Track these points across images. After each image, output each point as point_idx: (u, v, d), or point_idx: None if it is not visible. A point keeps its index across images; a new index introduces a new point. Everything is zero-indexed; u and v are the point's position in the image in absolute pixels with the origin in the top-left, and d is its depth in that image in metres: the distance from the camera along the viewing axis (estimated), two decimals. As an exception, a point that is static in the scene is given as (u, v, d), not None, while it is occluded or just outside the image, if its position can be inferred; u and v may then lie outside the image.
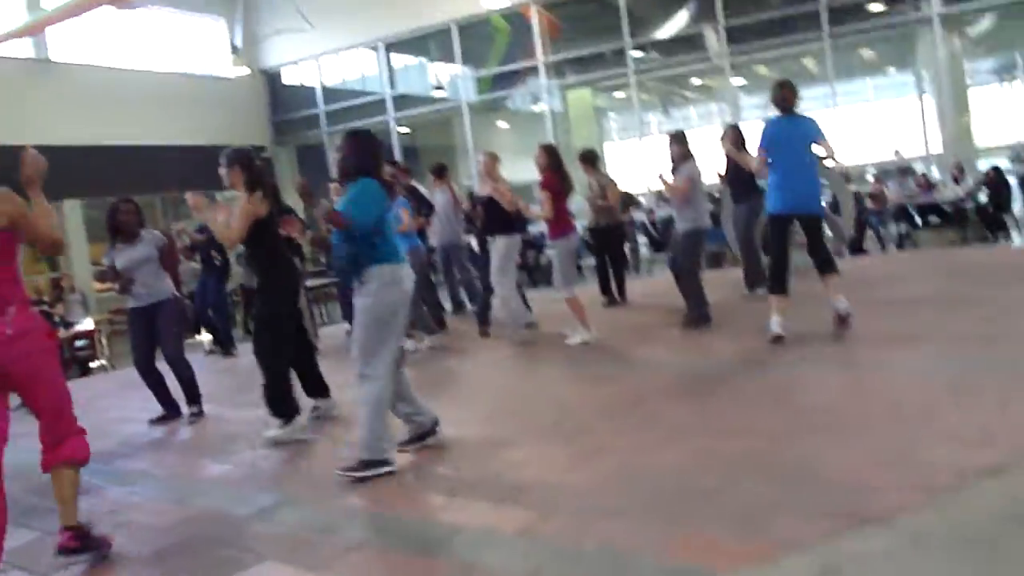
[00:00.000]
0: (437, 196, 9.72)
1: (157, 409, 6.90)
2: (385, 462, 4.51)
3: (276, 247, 5.80)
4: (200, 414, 6.80)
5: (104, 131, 17.00)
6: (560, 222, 7.60)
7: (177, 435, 6.49)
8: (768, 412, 4.75)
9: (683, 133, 7.98)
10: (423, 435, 4.93)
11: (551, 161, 7.61)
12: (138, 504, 4.73)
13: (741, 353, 6.33)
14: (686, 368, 6.22)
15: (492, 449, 4.76)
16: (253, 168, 5.68)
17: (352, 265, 4.66)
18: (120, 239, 6.68)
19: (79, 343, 12.74)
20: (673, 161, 7.78)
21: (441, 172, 10.07)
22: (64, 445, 3.77)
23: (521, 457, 4.55)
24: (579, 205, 9.84)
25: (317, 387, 6.15)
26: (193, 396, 6.82)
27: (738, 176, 8.58)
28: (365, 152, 4.83)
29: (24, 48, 16.21)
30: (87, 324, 13.16)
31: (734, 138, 8.59)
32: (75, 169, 15.95)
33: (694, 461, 4.07)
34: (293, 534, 3.89)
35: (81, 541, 3.80)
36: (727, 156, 8.68)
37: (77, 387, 9.56)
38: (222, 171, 5.65)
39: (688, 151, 7.76)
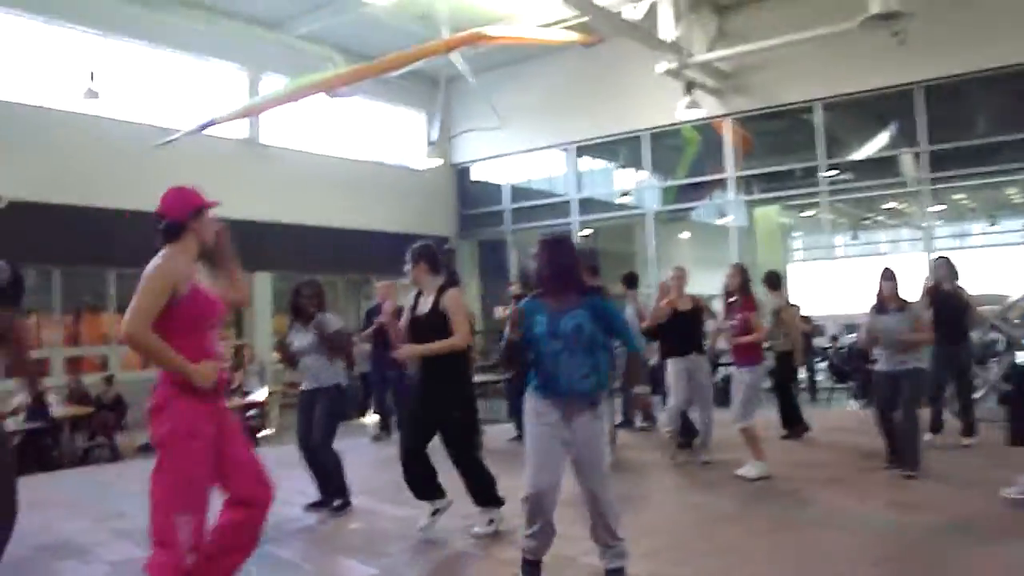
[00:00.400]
0: (627, 307, 9.41)
1: (313, 493, 6.79)
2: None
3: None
4: (345, 506, 6.65)
5: (300, 211, 17.75)
6: (754, 348, 7.17)
7: (329, 525, 6.33)
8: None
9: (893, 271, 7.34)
10: None
11: (744, 283, 7.24)
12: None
13: (960, 516, 5.58)
14: (883, 527, 5.51)
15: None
16: (438, 264, 5.70)
17: (595, 383, 4.43)
18: (299, 320, 6.74)
19: (250, 412, 13.08)
20: (884, 300, 7.14)
21: (632, 282, 9.79)
22: (152, 554, 3.47)
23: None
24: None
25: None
26: (336, 488, 6.68)
27: (951, 314, 7.86)
28: (577, 260, 4.63)
29: (240, 130, 17.26)
30: (261, 394, 13.50)
31: (947, 272, 7.91)
32: (270, 244, 16.70)
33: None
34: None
35: None
36: (940, 290, 7.97)
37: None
38: (407, 267, 5.67)
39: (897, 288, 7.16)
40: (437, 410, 5.59)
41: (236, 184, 16.38)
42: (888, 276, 7.14)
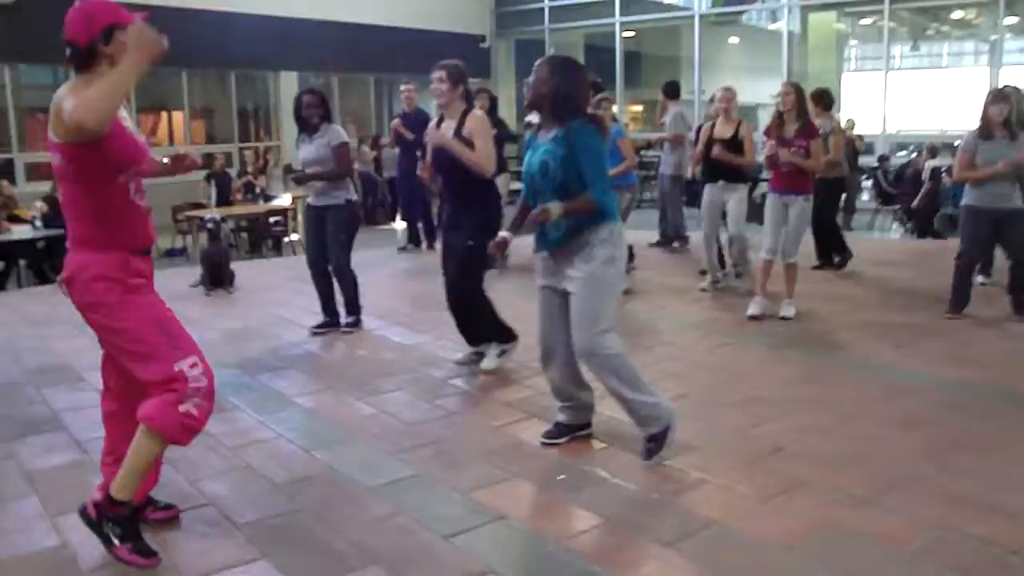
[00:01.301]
0: (668, 117, 8.75)
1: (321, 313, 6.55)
2: (668, 428, 3.87)
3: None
4: (356, 325, 6.47)
5: (327, 7, 16.79)
6: (807, 177, 6.55)
7: (333, 352, 6.07)
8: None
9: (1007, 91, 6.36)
10: (580, 426, 4.22)
11: (803, 104, 6.53)
12: (264, 442, 4.25)
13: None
14: (930, 384, 5.01)
15: (667, 453, 3.93)
16: (467, 87, 5.31)
17: (573, 231, 3.81)
18: (305, 130, 6.31)
19: (273, 219, 12.81)
20: (991, 125, 6.24)
21: (675, 92, 9.10)
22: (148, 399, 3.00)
23: (699, 476, 3.74)
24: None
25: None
26: (352, 307, 6.50)
27: None
28: (581, 85, 3.95)
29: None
30: (285, 201, 13.17)
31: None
32: (295, 42, 15.93)
33: (924, 546, 3.11)
34: (413, 533, 3.28)
35: (100, 518, 3.04)
36: None
37: (259, 269, 9.68)
38: (433, 84, 5.18)
39: None
40: (456, 236, 5.25)
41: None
42: (999, 97, 6.26)
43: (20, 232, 9.95)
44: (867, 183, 15.13)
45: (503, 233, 4.09)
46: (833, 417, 4.46)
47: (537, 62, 3.93)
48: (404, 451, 4.09)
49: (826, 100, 8.35)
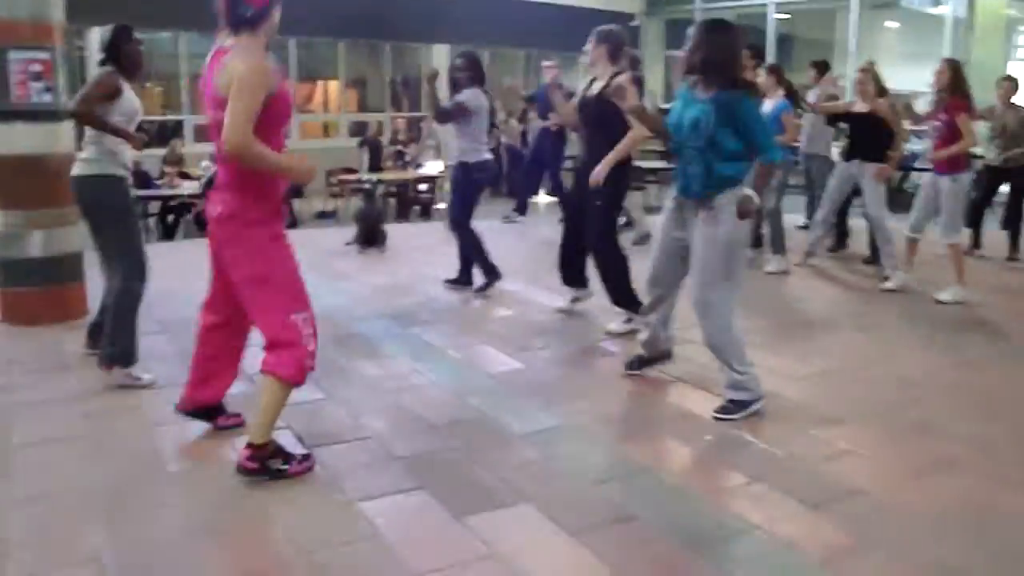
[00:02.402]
0: (812, 96, 8.58)
1: (474, 273, 6.77)
2: (756, 399, 4.09)
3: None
4: (487, 287, 6.59)
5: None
6: (960, 156, 6.38)
7: (483, 309, 6.27)
8: None
9: None
10: (656, 359, 4.57)
11: (958, 82, 6.34)
12: (416, 387, 4.48)
13: None
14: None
15: (814, 425, 3.97)
16: (619, 52, 5.40)
17: (703, 184, 3.99)
18: (455, 91, 6.60)
19: (422, 187, 13.16)
20: None
21: (824, 69, 8.93)
22: (269, 352, 3.29)
23: (847, 446, 3.75)
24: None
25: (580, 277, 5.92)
26: (482, 267, 6.61)
27: None
28: (736, 50, 4.08)
29: None
30: (434, 169, 13.50)
31: None
32: (446, 15, 16.25)
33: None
34: (561, 478, 3.42)
35: (260, 463, 3.29)
36: None
37: (409, 232, 10.02)
38: (587, 47, 5.39)
39: None
40: (586, 193, 5.41)
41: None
42: None
43: (189, 187, 10.57)
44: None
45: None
46: (986, 401, 4.37)
47: (691, 28, 4.05)
48: (552, 403, 4.24)
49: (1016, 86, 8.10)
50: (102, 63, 4.43)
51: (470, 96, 6.46)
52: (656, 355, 4.60)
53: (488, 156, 6.65)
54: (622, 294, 5.47)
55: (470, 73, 6.49)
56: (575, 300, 5.97)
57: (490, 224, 6.69)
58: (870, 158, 7.01)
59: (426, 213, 13.12)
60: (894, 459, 3.63)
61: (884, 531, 3.01)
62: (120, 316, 4.40)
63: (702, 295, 4.04)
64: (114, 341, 4.39)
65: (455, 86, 6.59)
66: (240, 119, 3.00)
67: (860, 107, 7.15)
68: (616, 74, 5.25)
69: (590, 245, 5.53)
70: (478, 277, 6.67)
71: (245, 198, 3.24)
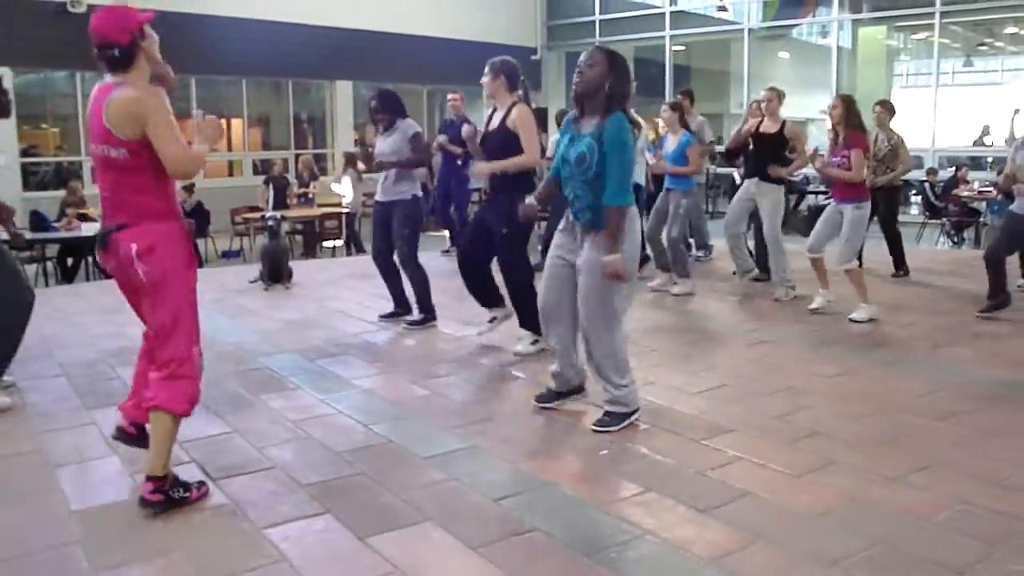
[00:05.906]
0: (693, 125, 8.94)
1: (380, 307, 6.86)
2: (633, 411, 4.33)
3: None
4: (423, 323, 6.56)
5: (381, 18, 17.21)
6: (862, 184, 6.69)
7: (390, 341, 6.34)
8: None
9: None
10: (568, 393, 4.65)
11: (850, 116, 6.63)
12: (323, 418, 4.53)
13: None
14: (967, 379, 5.14)
15: (706, 436, 4.16)
16: (516, 81, 5.54)
17: (592, 215, 4.17)
18: (381, 128, 6.57)
19: (329, 223, 13.18)
20: None
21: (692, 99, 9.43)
22: (168, 387, 3.31)
23: (735, 454, 3.94)
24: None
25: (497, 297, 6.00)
26: (423, 305, 6.60)
27: None
28: (627, 81, 4.23)
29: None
30: (347, 195, 13.49)
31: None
32: (350, 53, 16.36)
33: (949, 517, 3.29)
34: (463, 496, 3.53)
35: (163, 495, 3.32)
36: None
37: (315, 267, 10.03)
38: (485, 78, 5.53)
39: None
40: (494, 221, 5.55)
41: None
42: None
43: (88, 229, 10.39)
44: (915, 197, 15.19)
45: (529, 199, 4.59)
46: (869, 407, 4.63)
47: (588, 50, 4.20)
48: (457, 427, 4.34)
49: (893, 110, 8.49)
50: None
51: (411, 124, 6.48)
52: (567, 390, 4.64)
53: (419, 191, 6.60)
54: (527, 311, 5.52)
55: (388, 113, 6.45)
56: (493, 320, 5.96)
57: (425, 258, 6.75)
58: (770, 178, 7.34)
59: (332, 249, 13.10)
60: (780, 463, 3.83)
61: (769, 529, 3.18)
62: None
63: (589, 317, 4.20)
64: None
65: (377, 126, 6.57)
66: (171, 148, 3.15)
67: (768, 125, 7.50)
68: (515, 104, 5.45)
69: (499, 258, 5.63)
70: (415, 311, 6.67)
71: (162, 224, 3.29)
